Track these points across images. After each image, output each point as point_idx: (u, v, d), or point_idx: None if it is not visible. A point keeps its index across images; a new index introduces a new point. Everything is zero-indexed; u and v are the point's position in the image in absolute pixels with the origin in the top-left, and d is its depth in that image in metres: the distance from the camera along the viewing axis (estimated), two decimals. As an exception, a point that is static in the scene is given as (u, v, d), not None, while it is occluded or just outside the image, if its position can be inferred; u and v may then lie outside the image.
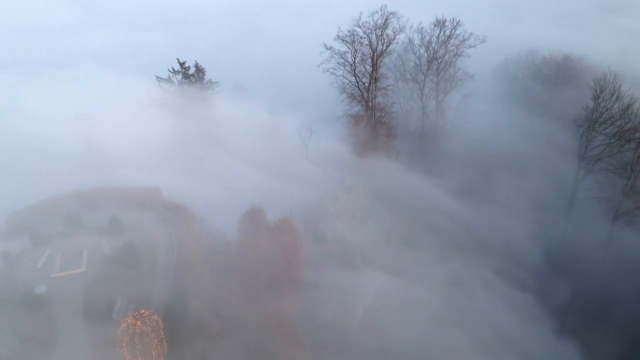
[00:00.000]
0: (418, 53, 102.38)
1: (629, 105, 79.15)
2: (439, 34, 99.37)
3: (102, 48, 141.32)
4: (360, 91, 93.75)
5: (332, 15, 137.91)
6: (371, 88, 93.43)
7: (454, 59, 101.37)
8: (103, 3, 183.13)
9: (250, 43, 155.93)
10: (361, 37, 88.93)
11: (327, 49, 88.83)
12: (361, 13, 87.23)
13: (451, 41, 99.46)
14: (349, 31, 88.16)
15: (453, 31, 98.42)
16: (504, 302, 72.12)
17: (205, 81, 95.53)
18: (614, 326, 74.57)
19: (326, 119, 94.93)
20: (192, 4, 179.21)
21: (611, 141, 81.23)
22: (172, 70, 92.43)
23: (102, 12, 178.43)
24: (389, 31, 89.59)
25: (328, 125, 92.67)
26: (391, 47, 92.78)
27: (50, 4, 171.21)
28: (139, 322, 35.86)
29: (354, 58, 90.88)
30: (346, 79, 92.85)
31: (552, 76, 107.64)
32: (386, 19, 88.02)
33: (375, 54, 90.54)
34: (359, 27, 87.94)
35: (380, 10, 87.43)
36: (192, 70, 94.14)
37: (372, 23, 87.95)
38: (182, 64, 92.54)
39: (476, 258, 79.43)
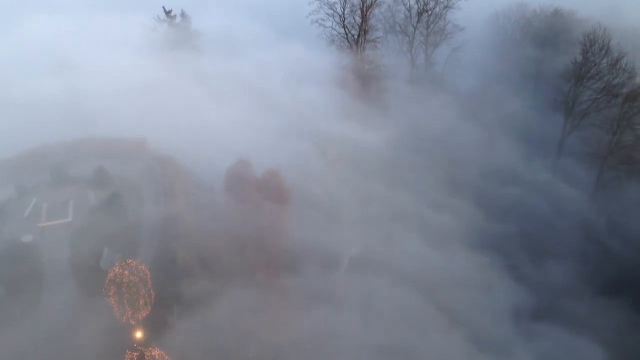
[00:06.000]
0: (408, 5, 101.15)
1: (617, 60, 79.05)
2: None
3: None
4: (349, 43, 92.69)
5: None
6: (360, 40, 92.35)
7: (444, 12, 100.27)
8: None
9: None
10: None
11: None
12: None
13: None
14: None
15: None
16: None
17: (191, 30, 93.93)
18: None
19: (314, 71, 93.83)
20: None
21: (598, 96, 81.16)
22: (157, 19, 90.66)
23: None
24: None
25: (316, 76, 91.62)
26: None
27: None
28: (126, 272, 36.12)
29: (343, 9, 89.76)
30: (335, 30, 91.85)
31: (542, 30, 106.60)
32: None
33: (364, 4, 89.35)
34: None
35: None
36: (178, 19, 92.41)
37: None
38: (167, 12, 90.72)
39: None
